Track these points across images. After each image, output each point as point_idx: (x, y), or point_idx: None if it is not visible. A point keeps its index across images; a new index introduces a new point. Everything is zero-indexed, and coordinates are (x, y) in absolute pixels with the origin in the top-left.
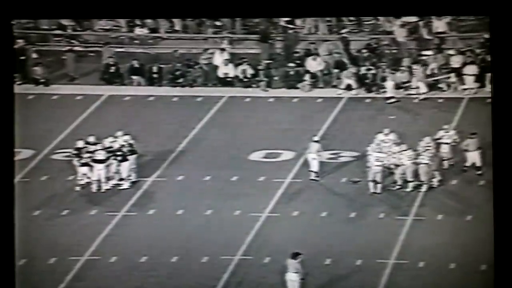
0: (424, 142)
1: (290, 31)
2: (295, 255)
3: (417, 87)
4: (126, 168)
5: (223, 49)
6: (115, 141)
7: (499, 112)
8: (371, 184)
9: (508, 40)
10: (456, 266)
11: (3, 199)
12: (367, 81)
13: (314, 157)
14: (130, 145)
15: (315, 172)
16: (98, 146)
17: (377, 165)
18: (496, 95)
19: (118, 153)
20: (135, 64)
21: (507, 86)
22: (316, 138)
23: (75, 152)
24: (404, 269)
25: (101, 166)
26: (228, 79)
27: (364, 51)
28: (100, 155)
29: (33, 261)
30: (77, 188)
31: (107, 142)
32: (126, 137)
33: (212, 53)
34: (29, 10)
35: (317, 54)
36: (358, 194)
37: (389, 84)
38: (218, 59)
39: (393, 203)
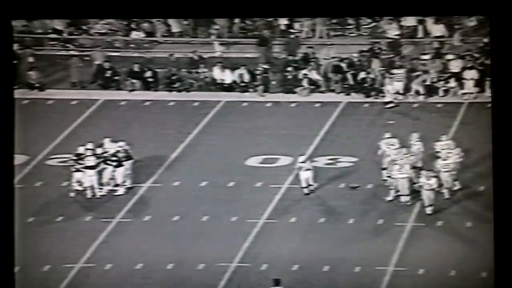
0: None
1: (292, 36)
2: (277, 282)
3: (417, 92)
4: (121, 174)
5: (222, 66)
6: (107, 147)
7: (499, 116)
8: (392, 192)
9: (508, 42)
10: (456, 273)
11: (1, 205)
12: (365, 85)
13: (305, 171)
14: (125, 150)
15: (308, 185)
16: (89, 152)
17: (400, 177)
18: (496, 97)
19: (113, 158)
20: (135, 68)
21: (508, 88)
22: (302, 159)
23: (75, 157)
24: (404, 277)
25: (91, 172)
26: (225, 84)
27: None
28: (90, 161)
29: (27, 269)
30: (72, 194)
31: (98, 148)
32: (121, 143)
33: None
34: (27, 11)
35: (317, 63)
36: (356, 200)
37: (388, 89)
38: (217, 73)
39: (392, 210)
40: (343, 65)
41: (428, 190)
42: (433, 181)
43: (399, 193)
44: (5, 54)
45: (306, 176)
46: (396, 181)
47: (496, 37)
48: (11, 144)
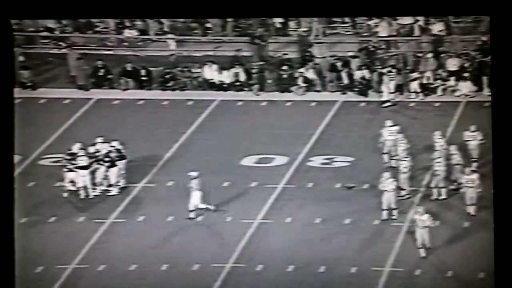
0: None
1: (304, 34)
2: None
3: (415, 91)
4: (114, 174)
5: (211, 62)
6: (100, 147)
7: (499, 114)
8: (385, 213)
9: (508, 41)
10: (453, 274)
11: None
12: (361, 85)
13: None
14: (118, 150)
15: (196, 209)
16: (82, 152)
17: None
18: (496, 95)
19: (106, 158)
20: (128, 67)
21: (507, 86)
22: (194, 174)
23: (68, 157)
24: (400, 277)
25: (85, 172)
26: (224, 84)
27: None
28: (83, 161)
29: (20, 270)
30: (65, 195)
31: (91, 148)
32: (114, 143)
33: (201, 67)
34: (26, 10)
35: (314, 62)
36: (352, 200)
37: (385, 88)
38: (208, 72)
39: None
40: (338, 63)
41: (422, 228)
42: (425, 217)
43: (384, 208)
44: (4, 53)
45: (195, 197)
46: (382, 194)
47: (496, 36)
48: (10, 144)
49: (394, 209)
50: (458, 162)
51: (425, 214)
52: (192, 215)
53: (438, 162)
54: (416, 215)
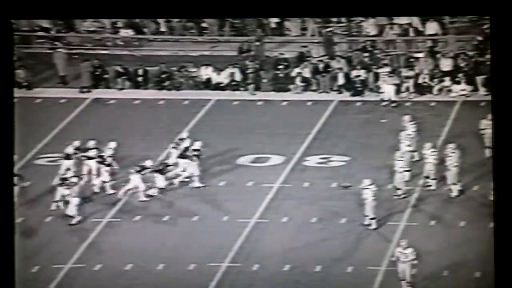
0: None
1: (329, 33)
2: None
3: (410, 91)
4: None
5: (207, 65)
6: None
7: (499, 115)
8: (368, 219)
9: (508, 41)
10: (449, 274)
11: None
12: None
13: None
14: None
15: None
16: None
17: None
18: (496, 96)
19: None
20: (119, 69)
21: (508, 87)
22: (74, 180)
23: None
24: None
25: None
26: (217, 83)
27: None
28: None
29: (16, 270)
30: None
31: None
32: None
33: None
34: (26, 10)
35: (310, 62)
36: (348, 200)
37: (381, 88)
38: (205, 72)
39: (384, 209)
40: (334, 63)
41: (404, 262)
42: (409, 251)
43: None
44: (4, 53)
45: (72, 204)
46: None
47: (496, 36)
48: (10, 144)
49: (372, 218)
50: (456, 161)
51: (409, 248)
52: (74, 221)
53: (450, 156)
54: (399, 248)
